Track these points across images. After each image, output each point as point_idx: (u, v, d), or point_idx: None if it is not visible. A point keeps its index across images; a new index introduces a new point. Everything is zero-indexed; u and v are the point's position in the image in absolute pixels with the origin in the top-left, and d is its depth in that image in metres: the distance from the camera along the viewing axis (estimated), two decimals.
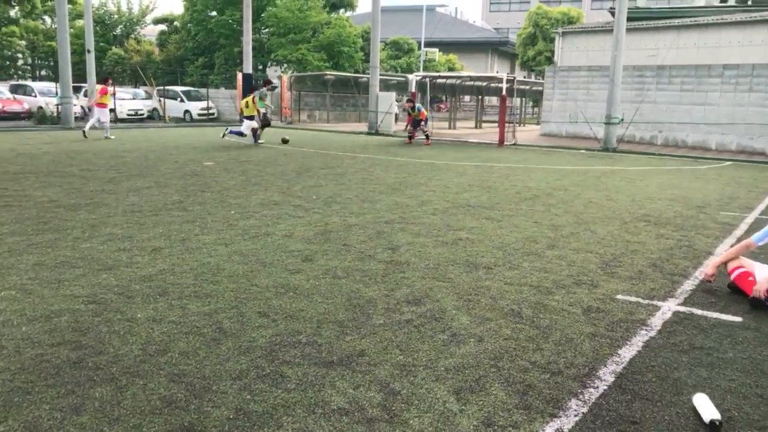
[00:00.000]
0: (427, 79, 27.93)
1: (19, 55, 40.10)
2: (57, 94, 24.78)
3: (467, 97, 49.08)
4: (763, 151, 20.11)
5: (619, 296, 4.89)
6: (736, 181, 12.89)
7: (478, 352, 3.70)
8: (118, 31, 43.01)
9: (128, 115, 27.86)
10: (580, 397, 3.22)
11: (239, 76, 29.77)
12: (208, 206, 8.02)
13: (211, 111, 31.16)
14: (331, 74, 34.16)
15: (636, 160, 17.14)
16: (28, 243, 5.86)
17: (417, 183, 10.89)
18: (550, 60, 39.43)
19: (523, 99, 39.52)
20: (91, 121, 19.19)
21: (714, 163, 17.32)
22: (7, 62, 38.72)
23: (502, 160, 15.77)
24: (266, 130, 19.46)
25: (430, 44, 52.06)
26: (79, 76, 26.76)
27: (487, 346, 3.80)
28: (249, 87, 18.55)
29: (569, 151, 19.56)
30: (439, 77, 30.99)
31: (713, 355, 3.82)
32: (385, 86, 32.49)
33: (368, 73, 27.48)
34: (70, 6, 29.81)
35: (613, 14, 22.52)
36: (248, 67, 28.96)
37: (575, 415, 3.03)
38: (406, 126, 21.84)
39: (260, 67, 40.70)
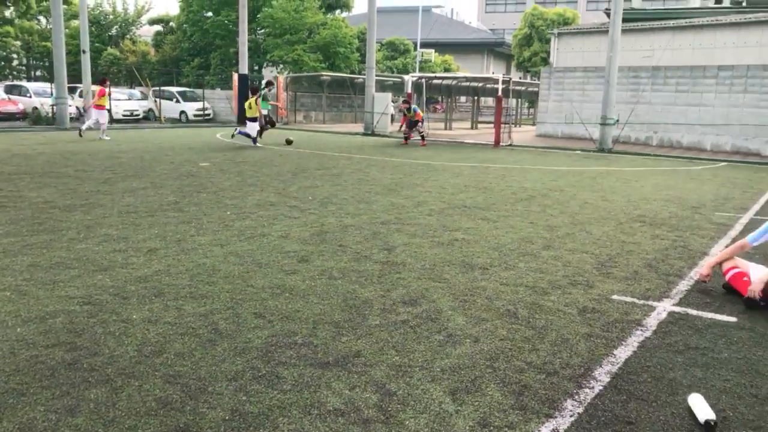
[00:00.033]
0: (423, 80, 27.94)
1: (14, 56, 39.97)
2: (52, 94, 24.73)
3: (463, 98, 49.11)
4: (757, 151, 20.18)
5: (614, 297, 4.90)
6: (731, 182, 12.93)
7: (474, 353, 3.71)
8: (114, 31, 42.88)
9: (124, 115, 27.81)
10: (576, 397, 3.22)
11: (235, 76, 29.74)
12: (203, 207, 8.01)
13: (206, 112, 31.12)
14: (327, 75, 34.15)
15: (631, 161, 17.18)
16: (23, 244, 5.85)
17: (413, 184, 10.90)
18: (545, 61, 39.51)
19: (519, 100, 39.60)
20: (89, 122, 19.18)
21: (709, 163, 17.38)
22: (2, 63, 38.59)
23: (498, 161, 15.79)
24: (270, 131, 19.48)
25: (426, 45, 52.07)
26: (75, 76, 26.71)
27: (482, 347, 3.80)
28: (252, 89, 18.55)
29: (565, 152, 19.60)
30: (435, 78, 31.02)
31: (708, 355, 3.83)
32: (381, 87, 32.50)
33: (364, 74, 27.49)
34: (65, 6, 29.72)
35: (608, 15, 22.58)
36: (244, 67, 28.93)
37: (571, 416, 3.03)
38: (400, 127, 21.84)
39: (256, 67, 40.63)
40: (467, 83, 33.39)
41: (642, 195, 10.51)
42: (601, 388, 3.34)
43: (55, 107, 23.87)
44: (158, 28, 44.50)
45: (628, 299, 4.85)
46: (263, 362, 3.48)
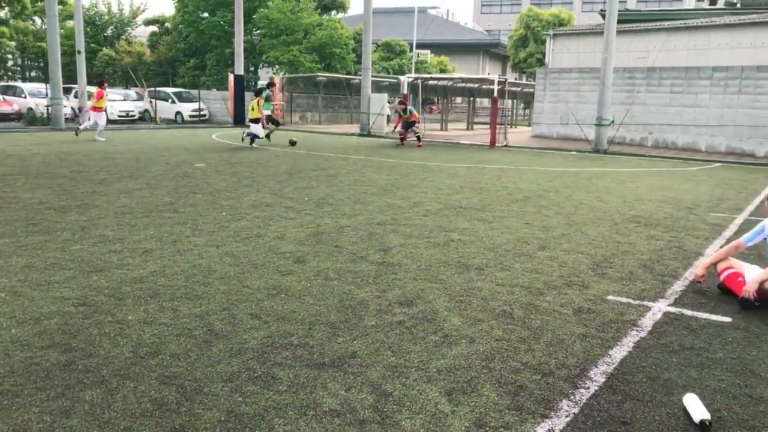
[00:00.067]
0: (419, 81, 27.96)
1: (9, 56, 39.86)
2: (47, 95, 24.65)
3: (459, 99, 49.16)
4: (752, 152, 20.27)
5: (609, 297, 4.91)
6: (726, 183, 12.98)
7: (470, 353, 3.71)
8: (109, 32, 42.82)
9: (119, 116, 27.75)
10: (572, 397, 3.23)
11: (231, 77, 29.72)
12: (199, 208, 7.99)
13: (202, 112, 31.08)
14: (323, 76, 34.15)
15: (626, 162, 17.22)
16: (18, 245, 5.83)
17: (409, 184, 10.90)
18: (541, 62, 39.59)
19: (515, 101, 39.63)
20: (86, 124, 19.16)
21: (704, 164, 17.44)
22: None
23: (493, 162, 15.81)
24: (274, 132, 19.56)
25: (421, 46, 52.13)
26: (70, 77, 26.64)
27: (478, 347, 3.80)
28: (257, 90, 18.67)
29: (560, 153, 19.64)
30: (431, 79, 31.02)
31: (703, 355, 3.84)
32: (377, 88, 32.51)
33: (360, 75, 27.50)
34: (60, 7, 29.65)
35: (603, 16, 22.63)
36: (240, 68, 28.91)
37: (566, 416, 3.04)
38: (395, 127, 21.85)
39: (252, 68, 40.63)
40: (463, 84, 33.41)
41: (637, 196, 10.54)
42: (596, 388, 3.35)
43: (50, 108, 23.79)
44: (154, 28, 44.46)
45: (624, 300, 4.86)
46: (259, 363, 3.47)
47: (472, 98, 36.69)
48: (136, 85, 34.61)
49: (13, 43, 37.99)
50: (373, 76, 28.18)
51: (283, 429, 2.82)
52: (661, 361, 3.73)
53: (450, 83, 32.65)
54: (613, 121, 20.48)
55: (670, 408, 3.16)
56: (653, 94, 22.40)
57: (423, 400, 3.12)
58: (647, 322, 4.39)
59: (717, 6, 31.62)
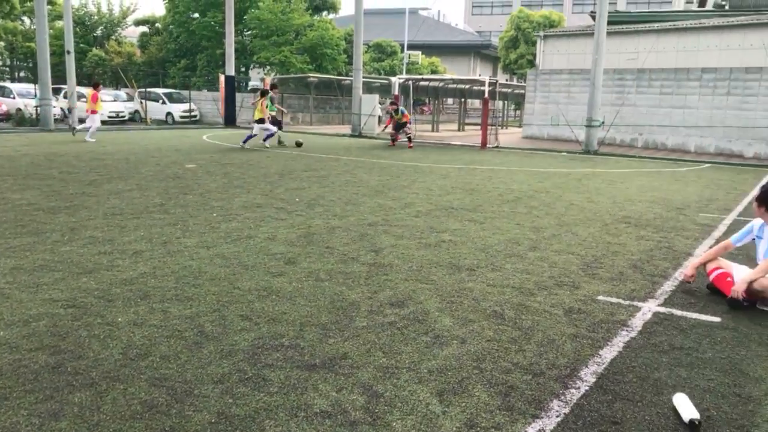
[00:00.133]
0: (410, 82, 27.99)
1: None
2: (36, 95, 24.49)
3: (450, 100, 49.25)
4: (740, 153, 20.42)
5: (600, 297, 4.93)
6: (715, 183, 13.07)
7: (461, 354, 3.71)
8: (99, 32, 42.57)
9: (109, 117, 27.60)
10: (562, 397, 3.24)
11: (222, 78, 29.63)
12: (189, 209, 7.96)
13: (193, 113, 30.98)
14: (314, 76, 34.11)
15: (616, 163, 17.30)
16: (6, 246, 5.78)
17: (400, 185, 10.90)
18: (531, 63, 39.72)
19: (506, 102, 39.75)
20: (84, 125, 19.10)
21: (693, 165, 17.55)
22: None
23: (484, 163, 15.84)
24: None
25: (413, 47, 52.16)
26: (59, 77, 26.46)
27: (469, 348, 3.81)
28: (261, 91, 18.87)
29: (551, 154, 19.71)
30: (422, 80, 31.07)
31: (692, 355, 3.86)
32: (368, 89, 32.51)
33: (351, 76, 27.49)
34: (49, 7, 29.47)
35: (593, 18, 22.73)
36: (231, 69, 28.83)
37: (557, 416, 3.05)
38: (384, 127, 21.86)
39: (243, 69, 40.54)
40: (454, 85, 33.47)
41: (627, 196, 10.59)
42: (587, 388, 3.36)
43: (39, 108, 23.64)
44: (144, 29, 44.26)
45: (614, 300, 4.88)
46: (250, 365, 3.46)
47: (463, 99, 36.76)
48: (126, 86, 34.46)
49: (1, 44, 37.74)
50: (364, 77, 28.19)
51: (273, 430, 2.81)
52: (651, 360, 3.75)
53: (441, 84, 32.70)
54: (603, 122, 20.58)
55: (660, 407, 3.18)
56: (643, 96, 22.53)
57: (414, 401, 3.12)
58: (637, 322, 4.41)
59: (706, 8, 31.84)
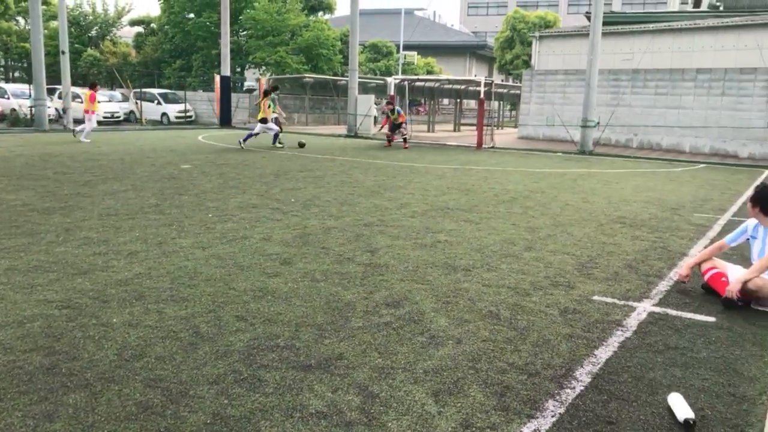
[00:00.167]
0: (406, 83, 28.01)
1: None
2: (30, 96, 24.41)
3: (446, 101, 49.32)
4: (735, 153, 20.49)
5: (595, 297, 4.94)
6: (710, 184, 13.11)
7: (457, 354, 3.72)
8: (94, 32, 42.44)
9: (104, 117, 27.52)
10: (557, 397, 3.24)
11: (217, 78, 29.59)
12: (185, 209, 7.95)
13: (188, 114, 30.92)
14: (309, 77, 34.09)
15: (612, 163, 17.34)
16: (0, 247, 5.76)
17: (396, 186, 10.91)
18: (527, 64, 39.79)
19: (501, 102, 39.81)
20: (82, 127, 19.06)
21: (688, 165, 17.60)
22: None
23: (480, 163, 15.86)
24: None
25: (408, 47, 52.20)
26: (54, 77, 26.41)
27: (465, 348, 3.81)
28: (264, 92, 19.07)
29: (546, 154, 19.74)
30: (418, 80, 31.10)
31: (687, 354, 3.87)
32: (364, 89, 32.50)
33: (347, 76, 27.48)
34: (44, 7, 29.37)
35: (589, 19, 22.77)
36: (226, 69, 28.79)
37: (552, 416, 3.05)
38: (380, 128, 21.86)
39: (238, 69, 40.47)
40: (450, 86, 33.53)
41: (622, 197, 10.61)
42: (582, 388, 3.37)
43: (33, 109, 23.56)
44: (139, 29, 44.13)
45: (609, 300, 4.89)
46: (245, 365, 3.46)
47: (458, 100, 36.81)
48: (121, 86, 34.37)
49: None
50: (360, 78, 28.18)
51: (269, 431, 2.81)
52: (646, 360, 3.76)
53: (437, 85, 32.74)
54: (598, 123, 20.63)
55: (654, 407, 3.19)
56: (638, 96, 22.59)
57: (410, 401, 3.12)
58: (632, 322, 4.42)
59: (701, 9, 31.95)
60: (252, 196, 9.15)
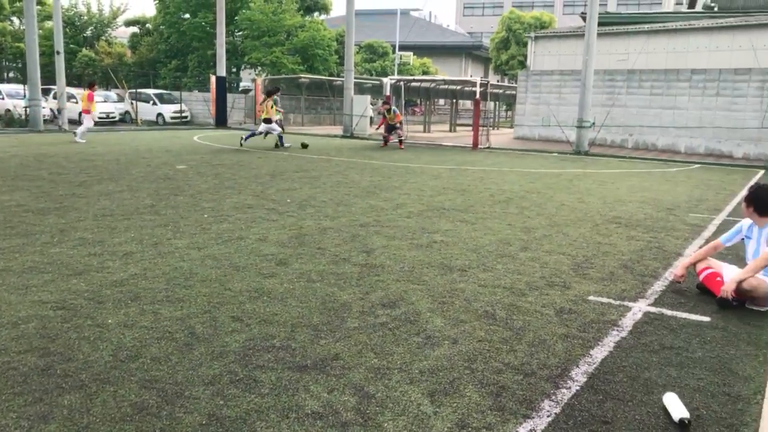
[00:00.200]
0: (402, 83, 28.00)
1: None
2: (25, 96, 24.32)
3: (442, 101, 49.32)
4: (730, 154, 20.56)
5: (590, 297, 4.95)
6: (705, 184, 13.15)
7: (453, 354, 3.72)
8: (89, 32, 42.32)
9: (100, 118, 27.45)
10: (553, 397, 3.25)
11: (213, 79, 29.55)
12: (180, 210, 7.93)
13: (184, 114, 30.87)
14: (305, 77, 34.07)
15: (607, 163, 17.38)
16: None
17: (392, 186, 10.91)
18: (523, 64, 39.82)
19: (497, 103, 39.85)
20: (81, 128, 19.02)
21: (683, 165, 17.65)
22: None
23: (476, 164, 15.87)
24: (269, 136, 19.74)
25: (404, 48, 52.19)
26: (48, 78, 26.31)
27: (461, 348, 3.81)
28: (267, 92, 19.26)
29: (542, 155, 19.77)
30: (414, 81, 31.09)
31: (682, 354, 3.88)
32: (360, 89, 32.52)
33: (343, 77, 27.47)
34: (39, 7, 29.29)
35: (584, 19, 22.83)
36: (222, 70, 28.76)
37: (548, 416, 3.05)
38: (377, 128, 21.87)
39: (234, 70, 40.42)
40: (445, 86, 33.53)
41: (618, 197, 10.64)
42: (577, 388, 3.37)
43: (28, 109, 23.49)
44: (134, 29, 44.03)
45: (604, 300, 4.90)
46: (241, 366, 3.45)
47: (454, 100, 36.82)
48: (116, 87, 34.29)
49: None
50: (355, 78, 28.18)
51: None
52: (642, 360, 3.77)
53: (432, 85, 32.75)
54: (593, 123, 20.67)
55: (650, 407, 3.19)
56: (633, 96, 22.64)
57: (405, 402, 3.12)
58: (628, 322, 4.43)
59: (695, 9, 32.04)
60: (248, 197, 9.13)
